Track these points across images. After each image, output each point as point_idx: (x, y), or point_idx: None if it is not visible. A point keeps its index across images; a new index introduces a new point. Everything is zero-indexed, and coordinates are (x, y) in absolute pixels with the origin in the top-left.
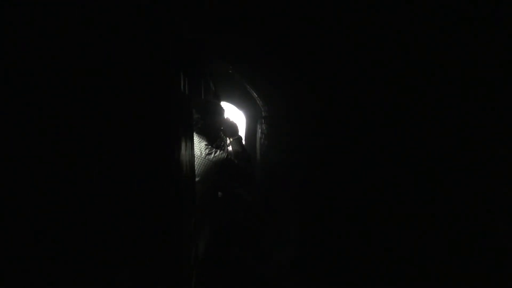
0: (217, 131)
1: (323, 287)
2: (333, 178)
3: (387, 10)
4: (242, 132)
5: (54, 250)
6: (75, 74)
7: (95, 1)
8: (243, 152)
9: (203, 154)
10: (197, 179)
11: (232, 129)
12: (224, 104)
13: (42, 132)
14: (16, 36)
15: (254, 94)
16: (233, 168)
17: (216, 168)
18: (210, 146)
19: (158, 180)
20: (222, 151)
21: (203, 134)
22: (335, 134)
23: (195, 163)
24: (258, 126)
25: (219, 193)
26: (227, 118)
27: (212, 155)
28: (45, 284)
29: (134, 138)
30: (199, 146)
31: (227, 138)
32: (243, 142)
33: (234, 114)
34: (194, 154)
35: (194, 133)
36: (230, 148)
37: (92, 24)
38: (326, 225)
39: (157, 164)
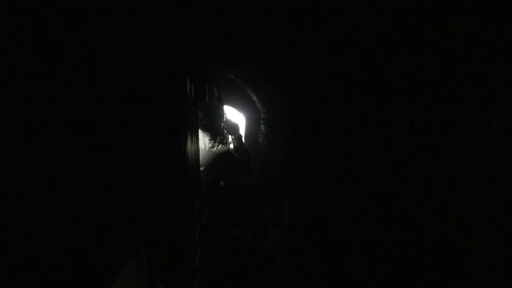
0: (219, 128)
1: (308, 259)
2: (320, 171)
3: (380, 14)
4: (242, 131)
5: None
6: (115, 87)
7: (122, 27)
8: (242, 147)
9: (207, 147)
10: (201, 168)
11: (233, 129)
12: (227, 107)
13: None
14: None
15: (254, 97)
16: (232, 159)
17: (218, 159)
18: (213, 141)
19: (170, 166)
20: (223, 145)
21: (206, 131)
22: (325, 134)
23: (200, 154)
24: (258, 126)
25: (221, 182)
26: (229, 119)
27: (215, 148)
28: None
29: (149, 133)
30: (204, 140)
31: (229, 136)
32: (243, 139)
33: (236, 116)
34: (199, 147)
35: (199, 130)
36: (231, 144)
37: (124, 48)
38: (312, 211)
39: (169, 154)
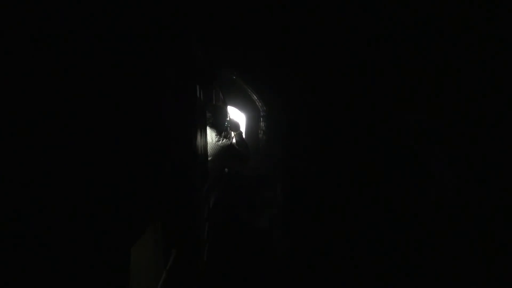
0: (223, 126)
1: (298, 232)
2: (313, 164)
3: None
4: (243, 128)
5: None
6: (146, 93)
7: (150, 48)
8: (242, 142)
9: (214, 141)
10: (209, 158)
11: (235, 126)
12: (229, 107)
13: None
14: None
15: (254, 97)
16: (234, 151)
17: (222, 151)
18: (219, 136)
19: (184, 155)
20: (227, 140)
21: (213, 127)
22: (321, 131)
23: (208, 147)
24: (258, 123)
25: (225, 169)
26: (232, 118)
27: (220, 142)
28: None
29: (168, 130)
30: (211, 135)
31: (232, 132)
32: (243, 135)
33: (237, 115)
34: (207, 141)
35: (207, 127)
36: (234, 139)
37: (145, 59)
38: (302, 195)
39: (183, 146)
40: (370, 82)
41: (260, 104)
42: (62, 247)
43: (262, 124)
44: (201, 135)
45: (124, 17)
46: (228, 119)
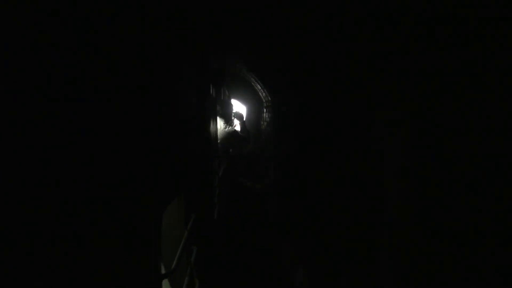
0: (230, 116)
1: (285, 197)
2: (305, 151)
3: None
4: (245, 118)
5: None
6: (176, 92)
7: (178, 60)
8: (245, 128)
9: (222, 128)
10: (219, 141)
11: (239, 116)
12: (234, 100)
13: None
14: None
15: (259, 86)
16: (238, 136)
17: (229, 135)
18: (226, 124)
19: (203, 138)
20: (232, 127)
21: (222, 117)
22: (302, 121)
23: (218, 132)
24: (260, 114)
25: (230, 150)
26: (237, 110)
27: (227, 128)
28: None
29: (191, 119)
30: (220, 123)
31: (237, 121)
32: (245, 123)
33: (240, 106)
34: (217, 127)
35: (218, 116)
36: (238, 126)
37: (179, 71)
38: (290, 170)
39: (202, 130)
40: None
41: (264, 94)
42: (117, 211)
43: (265, 114)
44: (213, 123)
45: (166, 39)
46: (234, 111)
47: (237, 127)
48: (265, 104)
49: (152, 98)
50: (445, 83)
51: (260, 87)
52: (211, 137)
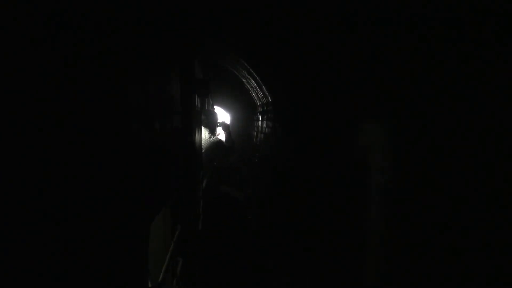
0: (215, 125)
1: (267, 205)
2: (278, 151)
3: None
4: (230, 126)
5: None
6: (163, 101)
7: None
8: (229, 138)
9: (206, 137)
10: (203, 151)
11: (225, 126)
12: (218, 108)
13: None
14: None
15: (254, 83)
16: (222, 145)
17: (213, 145)
18: (210, 134)
19: (188, 148)
20: (216, 137)
21: (206, 127)
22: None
23: (202, 142)
24: (254, 121)
25: (215, 163)
26: (223, 120)
27: (211, 138)
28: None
29: (177, 128)
30: (204, 133)
31: (222, 131)
32: (230, 133)
33: (224, 114)
34: (202, 137)
35: (202, 126)
36: (223, 136)
37: (166, 82)
38: (272, 177)
39: (189, 142)
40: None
41: (261, 95)
42: (105, 222)
43: (259, 122)
44: (198, 134)
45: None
46: (219, 120)
47: (222, 137)
48: (260, 109)
49: (143, 111)
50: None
51: (254, 86)
52: (196, 148)
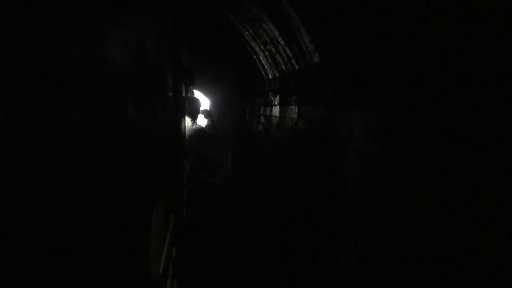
0: (198, 113)
1: (241, 189)
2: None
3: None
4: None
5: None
6: (155, 90)
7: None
8: (212, 125)
9: (189, 125)
10: (186, 137)
11: (208, 114)
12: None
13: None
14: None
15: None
16: (205, 133)
17: (195, 133)
18: (193, 121)
19: (174, 134)
20: (199, 124)
21: (189, 115)
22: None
23: (186, 129)
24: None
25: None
26: (205, 108)
27: (194, 126)
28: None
29: (166, 114)
30: (187, 120)
31: (205, 118)
32: (213, 120)
33: (204, 100)
34: (185, 124)
35: (186, 114)
36: (206, 123)
37: (157, 70)
38: (245, 162)
39: (173, 126)
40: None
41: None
42: (116, 210)
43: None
44: (183, 120)
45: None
46: (202, 108)
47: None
48: (277, 85)
49: (144, 103)
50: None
51: (274, 39)
52: (182, 136)
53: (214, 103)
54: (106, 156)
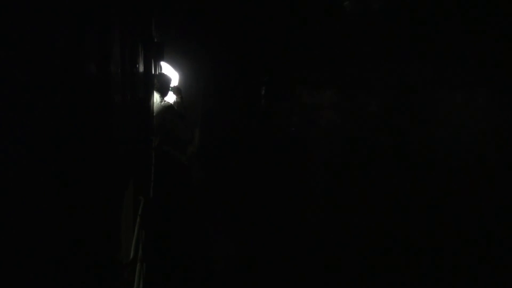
0: (167, 90)
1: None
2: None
3: None
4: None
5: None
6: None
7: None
8: (181, 103)
9: (158, 101)
10: (154, 114)
11: (177, 91)
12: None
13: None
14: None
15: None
16: (173, 110)
17: (164, 109)
18: (162, 98)
19: (144, 112)
20: (168, 101)
21: (158, 91)
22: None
23: (154, 106)
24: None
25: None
26: (175, 85)
27: (163, 102)
28: None
29: (136, 92)
30: (156, 97)
31: (174, 95)
32: (183, 98)
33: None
34: (154, 101)
35: (155, 91)
36: (175, 99)
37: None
38: (214, 140)
39: (143, 104)
40: None
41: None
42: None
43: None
44: (151, 96)
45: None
46: (171, 85)
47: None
48: None
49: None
50: None
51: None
52: (150, 113)
53: (184, 77)
54: (73, 136)
